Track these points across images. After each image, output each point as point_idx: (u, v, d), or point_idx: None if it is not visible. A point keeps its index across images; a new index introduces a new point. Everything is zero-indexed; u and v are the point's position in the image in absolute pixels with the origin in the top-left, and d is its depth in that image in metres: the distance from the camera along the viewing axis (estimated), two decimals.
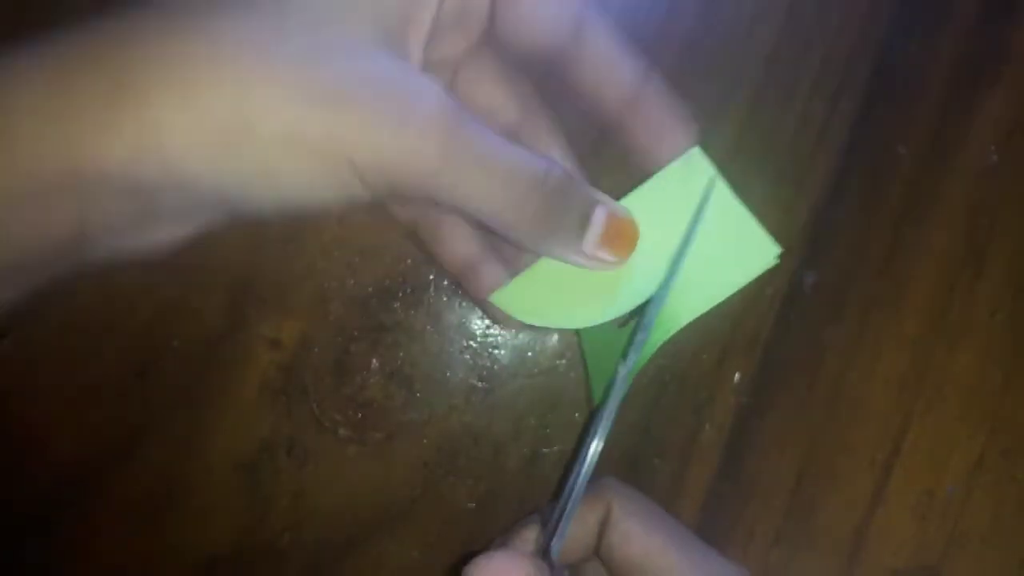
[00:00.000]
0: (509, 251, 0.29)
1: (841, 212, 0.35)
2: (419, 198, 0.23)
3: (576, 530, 0.29)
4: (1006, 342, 0.34)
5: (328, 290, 0.34)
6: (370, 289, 0.34)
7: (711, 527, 0.34)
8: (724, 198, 0.27)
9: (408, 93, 0.22)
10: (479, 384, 0.34)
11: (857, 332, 0.35)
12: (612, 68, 0.26)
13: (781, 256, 0.27)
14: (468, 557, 0.24)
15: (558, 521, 0.26)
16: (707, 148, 0.27)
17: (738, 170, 0.34)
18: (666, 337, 0.27)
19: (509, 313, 0.27)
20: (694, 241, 0.26)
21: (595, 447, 0.26)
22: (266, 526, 0.34)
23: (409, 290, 0.34)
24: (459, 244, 0.29)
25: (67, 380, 0.33)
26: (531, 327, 0.28)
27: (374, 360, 0.34)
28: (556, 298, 0.27)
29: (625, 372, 0.26)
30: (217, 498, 0.34)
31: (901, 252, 0.35)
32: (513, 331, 0.34)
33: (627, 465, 0.34)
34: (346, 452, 0.34)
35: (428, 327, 0.34)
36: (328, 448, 0.34)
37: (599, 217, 0.24)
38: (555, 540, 0.26)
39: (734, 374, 0.34)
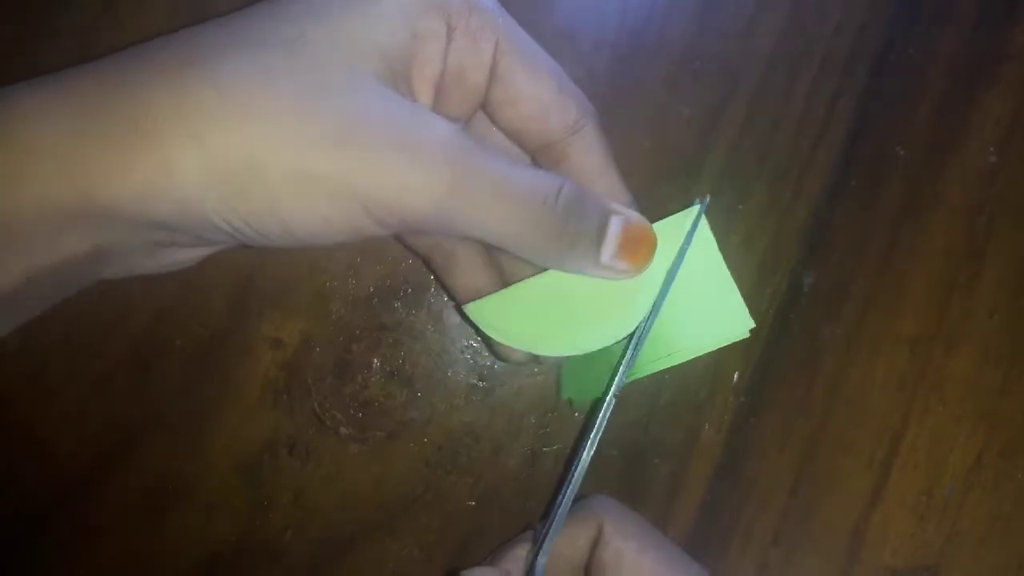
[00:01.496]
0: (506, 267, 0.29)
1: (840, 212, 0.35)
2: (432, 230, 0.24)
3: (567, 549, 0.29)
4: (1005, 342, 0.34)
5: (330, 289, 0.34)
6: (371, 289, 0.34)
7: (710, 527, 0.34)
8: (714, 263, 0.27)
9: (414, 128, 0.22)
10: (480, 383, 0.34)
11: (856, 332, 0.35)
12: (597, 176, 0.27)
13: (752, 330, 0.27)
14: (454, 572, 0.25)
15: (543, 539, 0.26)
16: (709, 211, 0.27)
17: (738, 170, 0.35)
18: (626, 382, 0.27)
19: (480, 326, 0.27)
20: (669, 292, 0.26)
21: (580, 470, 0.26)
22: (267, 525, 0.34)
23: (410, 290, 0.34)
24: (470, 276, 0.29)
25: (68, 380, 0.33)
26: (531, 359, 0.28)
27: (375, 359, 0.34)
28: (528, 322, 0.27)
29: (606, 408, 0.26)
30: (218, 497, 0.34)
31: (900, 252, 0.35)
32: (513, 363, 0.32)
33: (627, 465, 0.34)
34: (347, 451, 0.34)
35: (429, 327, 0.34)
36: (329, 447, 0.34)
37: (615, 228, 0.24)
38: (540, 557, 0.26)
39: (734, 374, 0.35)
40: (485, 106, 0.26)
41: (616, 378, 0.26)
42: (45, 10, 0.33)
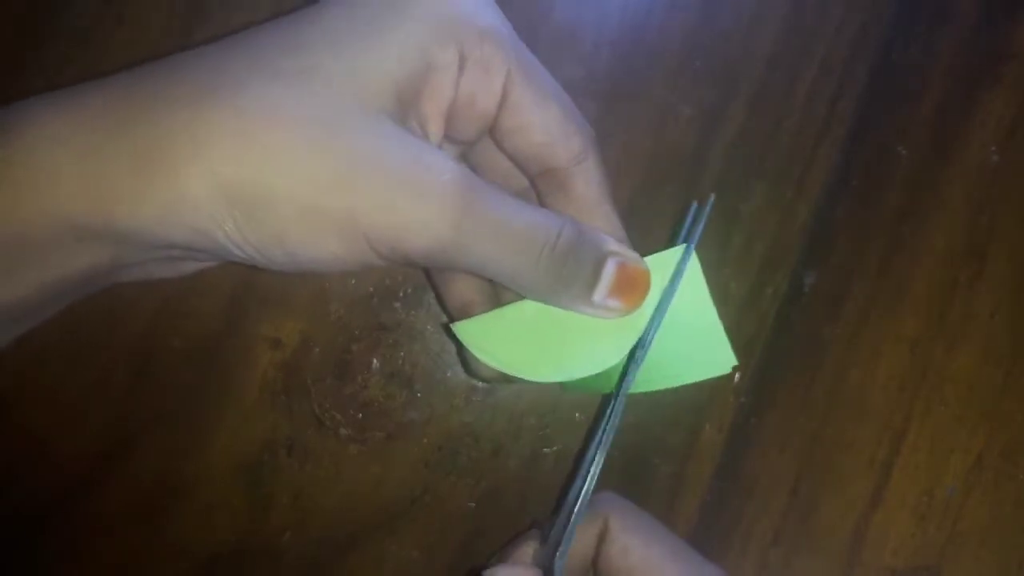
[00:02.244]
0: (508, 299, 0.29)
1: (841, 212, 0.35)
2: (435, 265, 0.25)
3: (574, 544, 0.29)
4: (1006, 342, 0.34)
5: (329, 290, 0.34)
6: (371, 289, 0.34)
7: (711, 527, 0.34)
8: (701, 299, 0.27)
9: (421, 169, 0.22)
10: (479, 384, 0.34)
11: (857, 332, 0.35)
12: (595, 207, 0.27)
13: (736, 368, 0.27)
14: (474, 572, 0.25)
15: (560, 539, 0.26)
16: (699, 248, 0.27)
17: (738, 170, 0.35)
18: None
19: (466, 345, 0.27)
20: (659, 325, 0.26)
21: (596, 467, 0.26)
22: (267, 525, 0.34)
23: (410, 290, 0.34)
24: (465, 292, 0.29)
25: (67, 380, 0.33)
26: (503, 378, 0.28)
27: (375, 360, 0.34)
28: (516, 345, 0.27)
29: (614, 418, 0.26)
30: (218, 497, 0.34)
31: (901, 252, 0.35)
32: (484, 380, 0.32)
33: (627, 465, 0.34)
34: (347, 451, 0.34)
35: (429, 327, 0.34)
36: (329, 447, 0.34)
37: (609, 270, 0.25)
38: (558, 558, 0.26)
39: (734, 374, 0.35)
40: (492, 131, 0.27)
41: (624, 379, 0.26)
42: (45, 10, 0.33)
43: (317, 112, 0.22)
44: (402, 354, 0.34)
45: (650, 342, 0.26)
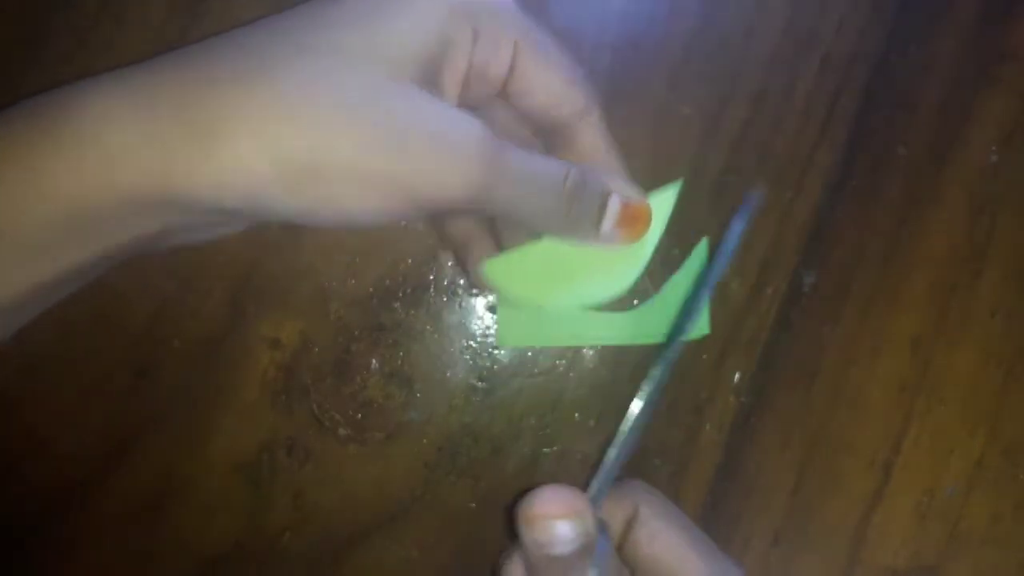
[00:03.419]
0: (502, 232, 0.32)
1: (841, 212, 0.35)
2: (465, 213, 0.29)
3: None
4: (1006, 342, 0.34)
5: (328, 290, 0.34)
6: (370, 289, 0.34)
7: (711, 527, 0.34)
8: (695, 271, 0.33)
9: (452, 129, 0.25)
10: (479, 384, 0.34)
11: (857, 332, 0.35)
12: (601, 155, 0.30)
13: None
14: (514, 502, 0.26)
15: (601, 482, 0.28)
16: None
17: (739, 170, 0.35)
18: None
19: (495, 284, 0.31)
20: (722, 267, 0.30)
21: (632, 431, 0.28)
22: (266, 526, 0.34)
23: (409, 290, 0.34)
24: (463, 230, 0.32)
25: (67, 380, 0.33)
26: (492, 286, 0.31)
27: (374, 360, 0.34)
28: (534, 280, 0.30)
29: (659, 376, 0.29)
30: (217, 498, 0.34)
31: (901, 252, 0.35)
32: (482, 287, 0.34)
33: (628, 465, 0.34)
34: (346, 452, 0.34)
35: (428, 327, 0.34)
36: (328, 448, 0.34)
37: (613, 206, 0.28)
38: (599, 484, 0.28)
39: (734, 374, 0.35)
40: (502, 93, 0.29)
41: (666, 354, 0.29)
42: (44, 10, 0.33)
43: (355, 82, 0.24)
44: (401, 354, 0.34)
45: (708, 291, 0.30)
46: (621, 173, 0.30)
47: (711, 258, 0.32)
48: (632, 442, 0.29)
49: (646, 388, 0.29)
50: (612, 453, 0.28)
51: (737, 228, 0.31)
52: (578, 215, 0.28)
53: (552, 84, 0.29)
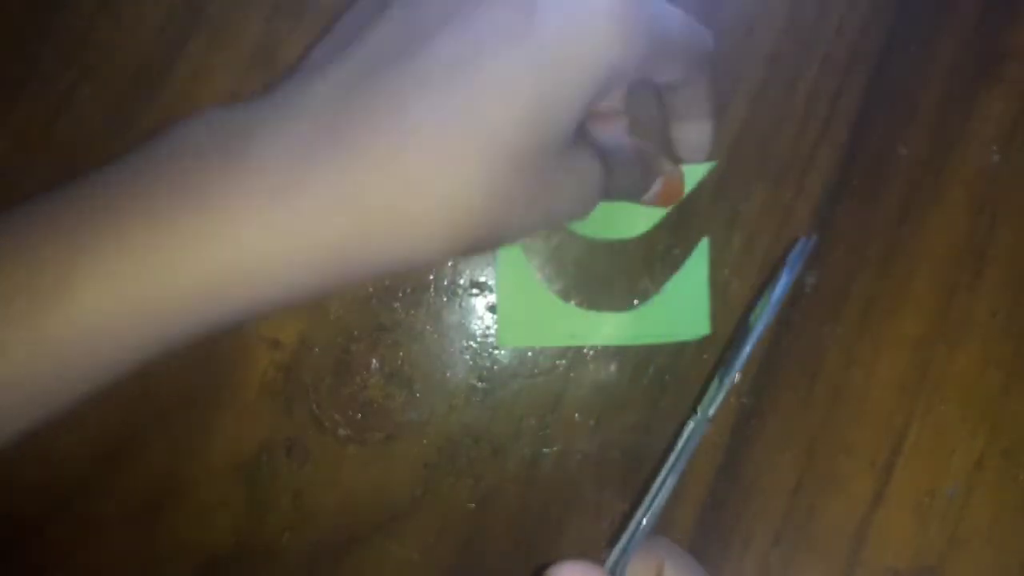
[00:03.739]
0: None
1: (842, 211, 0.35)
2: None
3: None
4: (1006, 342, 0.34)
5: None
6: (370, 289, 0.34)
7: (711, 527, 0.34)
8: (701, 273, 0.35)
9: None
10: (479, 384, 0.34)
11: (857, 332, 0.34)
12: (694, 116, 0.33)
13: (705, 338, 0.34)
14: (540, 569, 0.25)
15: (625, 548, 0.27)
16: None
17: (739, 170, 0.35)
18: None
19: None
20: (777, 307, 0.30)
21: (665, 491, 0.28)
22: (266, 526, 0.34)
23: (409, 290, 0.34)
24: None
25: None
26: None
27: (374, 360, 0.34)
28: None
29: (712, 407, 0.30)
30: (217, 498, 0.34)
31: (901, 252, 0.35)
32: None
33: (628, 466, 0.34)
34: (346, 452, 0.34)
35: (428, 327, 0.34)
36: (328, 448, 0.34)
37: (656, 187, 0.32)
38: (620, 554, 0.27)
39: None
40: None
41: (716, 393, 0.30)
42: (44, 10, 0.33)
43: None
44: (401, 354, 0.34)
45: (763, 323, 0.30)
46: (708, 136, 0.33)
47: (754, 305, 0.33)
48: (659, 509, 0.28)
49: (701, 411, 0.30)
50: (642, 520, 0.27)
51: (788, 277, 0.30)
52: (633, 186, 0.31)
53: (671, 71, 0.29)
